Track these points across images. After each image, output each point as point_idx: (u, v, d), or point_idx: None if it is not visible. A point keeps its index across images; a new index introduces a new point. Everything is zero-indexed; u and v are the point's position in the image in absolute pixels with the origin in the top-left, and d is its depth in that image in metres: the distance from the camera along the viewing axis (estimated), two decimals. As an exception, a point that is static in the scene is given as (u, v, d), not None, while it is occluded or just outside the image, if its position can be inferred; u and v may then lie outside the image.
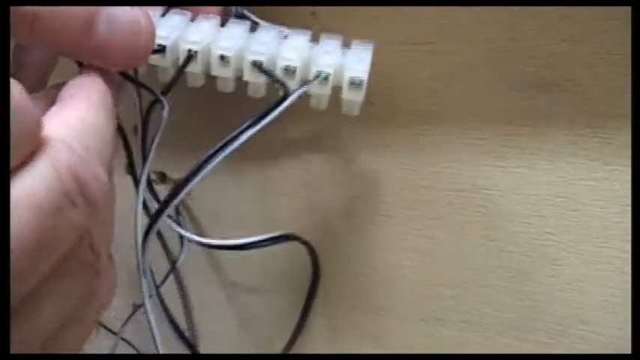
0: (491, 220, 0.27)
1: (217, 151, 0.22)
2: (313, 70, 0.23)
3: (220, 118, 0.31)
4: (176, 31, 0.24)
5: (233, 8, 0.26)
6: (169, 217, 0.26)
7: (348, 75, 0.23)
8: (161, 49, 0.23)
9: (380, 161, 0.29)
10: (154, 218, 0.23)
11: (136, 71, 0.24)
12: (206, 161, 0.22)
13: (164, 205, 0.23)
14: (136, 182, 0.25)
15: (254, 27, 0.25)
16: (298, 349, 0.33)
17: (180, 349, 0.29)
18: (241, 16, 0.26)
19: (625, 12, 0.22)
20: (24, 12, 0.19)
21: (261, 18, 0.26)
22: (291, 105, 0.24)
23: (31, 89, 0.26)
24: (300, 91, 0.23)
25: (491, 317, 0.29)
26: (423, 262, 0.30)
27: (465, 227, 0.28)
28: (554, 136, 0.25)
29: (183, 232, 0.26)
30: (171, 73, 0.24)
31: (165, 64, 0.24)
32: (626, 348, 0.26)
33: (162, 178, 0.35)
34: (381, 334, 0.32)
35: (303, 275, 0.31)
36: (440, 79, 0.27)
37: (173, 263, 0.32)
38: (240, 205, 0.34)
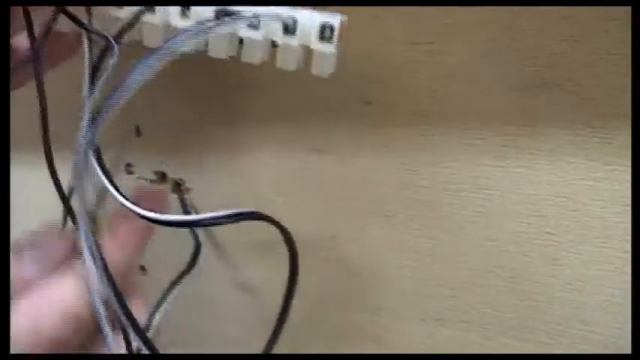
0: (491, 220, 0.27)
1: (140, 64, 0.20)
2: (281, 17, 0.22)
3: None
4: None
5: None
6: (115, 187, 0.23)
7: (318, 21, 0.21)
8: None
9: (380, 161, 0.29)
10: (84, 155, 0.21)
11: (89, 17, 0.23)
12: (127, 78, 0.20)
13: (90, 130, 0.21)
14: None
15: None
16: (298, 348, 0.33)
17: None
18: None
19: (625, 12, 0.22)
20: None
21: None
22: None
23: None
24: (253, 16, 0.21)
25: (491, 317, 0.29)
26: (423, 262, 0.30)
27: (465, 227, 0.28)
28: (554, 136, 0.25)
29: (124, 200, 0.22)
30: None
31: (121, 14, 0.22)
32: (626, 348, 0.26)
33: (163, 178, 0.35)
34: (381, 334, 0.32)
35: (302, 274, 0.31)
36: (440, 79, 0.27)
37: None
38: (239, 204, 0.34)
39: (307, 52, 0.23)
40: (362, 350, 0.33)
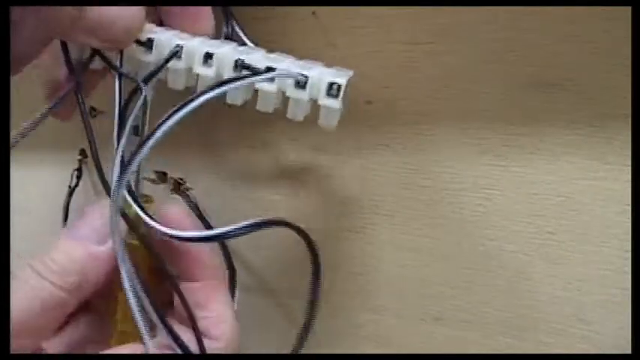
0: (492, 220, 0.27)
1: (170, 116, 0.22)
2: (293, 72, 0.24)
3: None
4: (167, 33, 0.25)
5: (223, 31, 0.27)
6: (141, 208, 0.24)
7: (326, 80, 0.23)
8: (149, 43, 0.24)
9: (380, 161, 0.29)
10: (117, 186, 0.23)
11: (121, 60, 0.24)
12: (159, 126, 0.22)
13: (123, 169, 0.23)
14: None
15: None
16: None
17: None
18: (230, 38, 0.27)
19: (625, 12, 0.22)
20: None
21: (252, 41, 0.27)
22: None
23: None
24: (270, 75, 0.23)
25: (491, 317, 0.29)
26: (423, 262, 0.30)
27: (465, 227, 0.28)
28: (554, 136, 0.25)
29: (152, 222, 0.24)
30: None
31: (149, 58, 0.24)
32: (627, 348, 0.26)
33: (163, 177, 0.35)
34: (381, 334, 0.32)
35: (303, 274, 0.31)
36: (440, 79, 0.27)
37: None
38: (239, 205, 0.34)
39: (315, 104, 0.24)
40: (362, 350, 0.33)
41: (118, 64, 0.24)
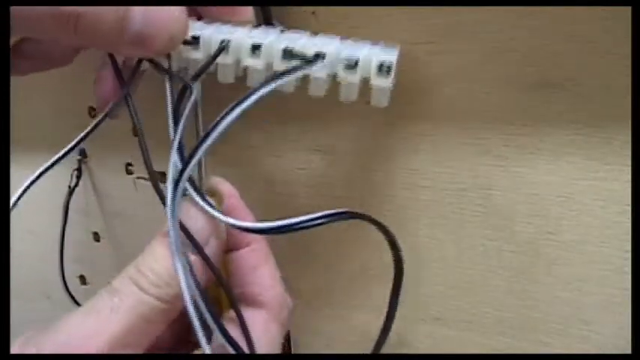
0: (492, 220, 0.27)
1: (230, 110, 0.22)
2: (343, 56, 0.24)
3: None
4: (211, 27, 0.24)
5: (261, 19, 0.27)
6: (204, 199, 0.24)
7: (376, 59, 0.23)
8: (195, 41, 0.24)
9: (380, 161, 0.29)
10: (174, 185, 0.23)
11: (169, 62, 0.24)
12: (220, 121, 0.22)
13: (185, 165, 0.22)
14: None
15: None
16: (298, 348, 0.34)
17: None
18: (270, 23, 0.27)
19: (625, 12, 0.22)
20: (66, 13, 0.20)
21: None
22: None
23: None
24: (321, 63, 0.23)
25: (491, 317, 0.29)
26: (423, 262, 0.30)
27: (465, 227, 0.28)
28: (555, 136, 0.25)
29: (221, 216, 0.24)
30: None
31: (197, 55, 0.24)
32: (626, 348, 0.26)
33: (163, 177, 0.35)
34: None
35: (303, 274, 0.31)
36: (440, 79, 0.27)
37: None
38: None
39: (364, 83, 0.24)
40: (362, 350, 0.33)
41: (166, 65, 0.24)
